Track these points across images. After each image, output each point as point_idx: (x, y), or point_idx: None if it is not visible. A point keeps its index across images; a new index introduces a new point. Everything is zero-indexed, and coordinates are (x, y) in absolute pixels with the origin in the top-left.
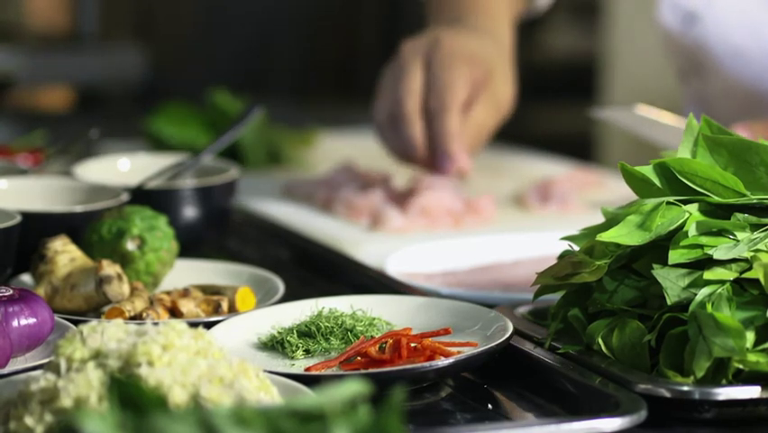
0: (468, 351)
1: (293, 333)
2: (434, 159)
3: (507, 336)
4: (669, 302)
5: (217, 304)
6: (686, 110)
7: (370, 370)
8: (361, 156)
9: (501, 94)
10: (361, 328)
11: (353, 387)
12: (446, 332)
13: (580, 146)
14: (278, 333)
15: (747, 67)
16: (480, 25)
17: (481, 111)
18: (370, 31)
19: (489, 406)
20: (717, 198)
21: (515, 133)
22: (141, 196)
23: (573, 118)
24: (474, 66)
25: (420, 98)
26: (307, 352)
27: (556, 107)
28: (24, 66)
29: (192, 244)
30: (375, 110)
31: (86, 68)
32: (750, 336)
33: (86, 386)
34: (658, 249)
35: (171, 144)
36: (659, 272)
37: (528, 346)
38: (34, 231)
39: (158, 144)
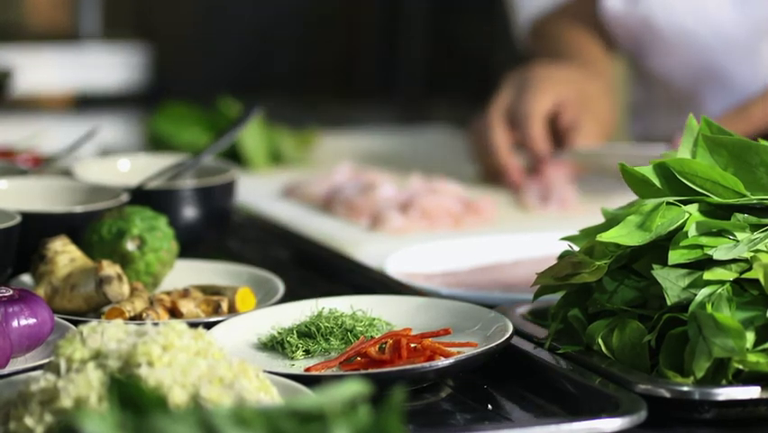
0: (468, 351)
1: (293, 333)
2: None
3: (507, 336)
4: (669, 302)
5: (217, 304)
6: (633, 93)
7: (370, 370)
8: (361, 156)
9: (602, 113)
10: (360, 329)
11: (353, 387)
12: (446, 332)
13: None
14: (278, 333)
15: (691, 42)
16: (575, 61)
17: (589, 127)
18: (369, 31)
19: (489, 406)
20: (717, 199)
21: None
22: (142, 196)
23: None
24: (561, 86)
25: (505, 112)
26: (307, 352)
27: None
28: (24, 65)
29: (192, 245)
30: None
31: (86, 67)
32: (750, 337)
33: (86, 386)
34: (658, 249)
35: (171, 144)
36: (659, 273)
37: (528, 347)
38: (34, 231)
39: (158, 144)
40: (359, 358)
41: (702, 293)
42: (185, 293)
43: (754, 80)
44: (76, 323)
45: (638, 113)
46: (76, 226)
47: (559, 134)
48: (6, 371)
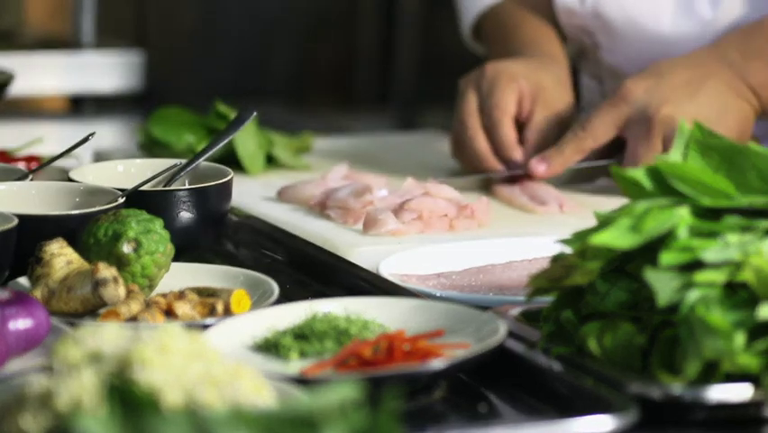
0: (461, 353)
1: (288, 335)
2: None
3: (501, 338)
4: (660, 304)
5: (212, 306)
6: (583, 92)
7: (365, 372)
8: (357, 160)
9: (557, 102)
10: (355, 331)
11: (347, 389)
12: (439, 334)
13: None
14: (273, 335)
15: (641, 33)
16: (529, 52)
17: (540, 120)
18: (366, 37)
19: (482, 407)
20: (708, 202)
21: None
22: (137, 199)
23: None
24: (518, 82)
25: (479, 117)
26: (302, 354)
27: None
28: (23, 71)
29: (188, 247)
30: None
31: (83, 73)
32: (740, 338)
33: (81, 389)
34: (650, 252)
35: (167, 148)
36: (650, 275)
37: (521, 348)
38: (31, 234)
39: (154, 148)
40: (353, 360)
41: (693, 295)
42: (180, 295)
43: None
44: (72, 325)
45: (588, 110)
46: (72, 229)
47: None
48: (2, 373)
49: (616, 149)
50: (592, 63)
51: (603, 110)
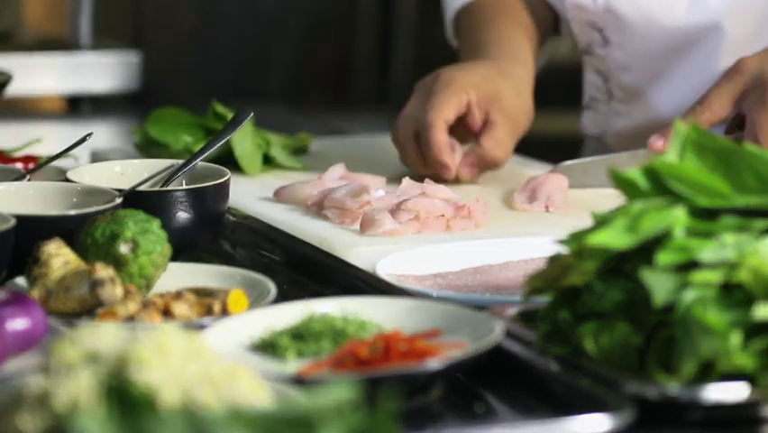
0: (458, 354)
1: (285, 335)
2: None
3: (498, 338)
4: (656, 304)
5: (210, 306)
6: (586, 88)
7: (362, 372)
8: (354, 162)
9: (514, 109)
10: (352, 331)
11: (344, 390)
12: (436, 334)
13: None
14: (270, 335)
15: (654, 27)
16: (494, 52)
17: (496, 127)
18: (365, 38)
19: (479, 407)
20: (704, 202)
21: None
22: (135, 199)
23: (563, 122)
24: (469, 89)
25: (414, 124)
26: (299, 354)
27: (548, 112)
28: (21, 71)
29: (185, 247)
30: None
31: (81, 73)
32: (737, 338)
33: (78, 389)
34: (647, 252)
35: (165, 149)
36: (647, 275)
37: (518, 348)
38: (28, 234)
39: (151, 149)
40: (350, 360)
41: (690, 295)
42: (178, 295)
43: (711, 70)
44: (70, 325)
45: (591, 107)
46: (70, 229)
47: (472, 136)
48: (0, 373)
49: (737, 129)
50: (598, 59)
51: (719, 84)
